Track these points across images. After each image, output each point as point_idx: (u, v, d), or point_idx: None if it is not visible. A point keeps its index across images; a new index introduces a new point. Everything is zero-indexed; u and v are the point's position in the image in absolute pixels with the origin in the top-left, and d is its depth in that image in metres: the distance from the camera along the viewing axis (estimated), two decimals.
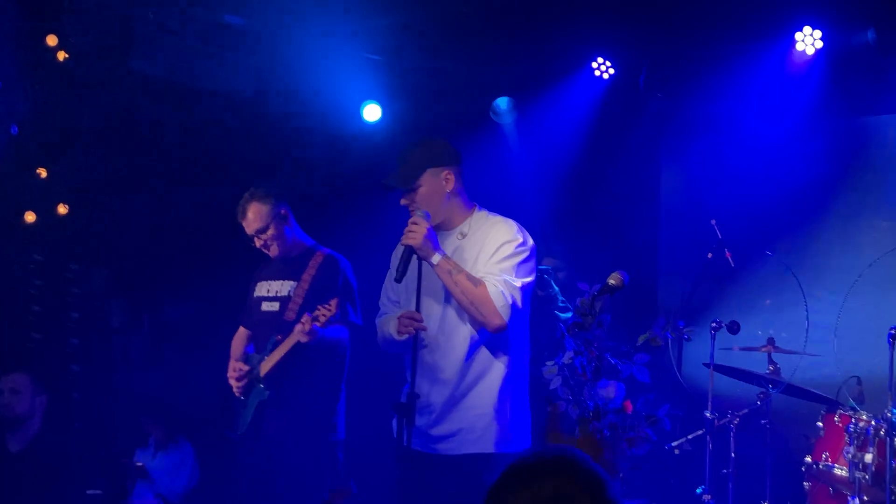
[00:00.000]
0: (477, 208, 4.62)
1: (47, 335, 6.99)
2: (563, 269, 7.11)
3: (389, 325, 4.62)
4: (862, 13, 6.51)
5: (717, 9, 6.58)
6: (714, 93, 7.08)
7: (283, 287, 5.76)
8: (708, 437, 5.60)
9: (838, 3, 6.54)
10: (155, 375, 7.33)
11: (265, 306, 5.80)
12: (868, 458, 5.10)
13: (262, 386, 5.64)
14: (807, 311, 5.71)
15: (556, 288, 6.71)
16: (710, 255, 6.20)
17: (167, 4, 6.49)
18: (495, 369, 4.45)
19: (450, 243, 4.54)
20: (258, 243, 5.77)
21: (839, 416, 5.37)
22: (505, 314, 4.31)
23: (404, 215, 4.53)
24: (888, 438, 4.98)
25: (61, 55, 6.59)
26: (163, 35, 6.54)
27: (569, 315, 4.92)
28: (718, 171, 7.35)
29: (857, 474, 5.10)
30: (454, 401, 4.44)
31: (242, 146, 7.07)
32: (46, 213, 6.89)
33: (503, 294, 4.30)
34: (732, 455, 5.67)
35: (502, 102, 7.51)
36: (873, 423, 5.13)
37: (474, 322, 4.39)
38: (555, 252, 7.26)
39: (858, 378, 5.55)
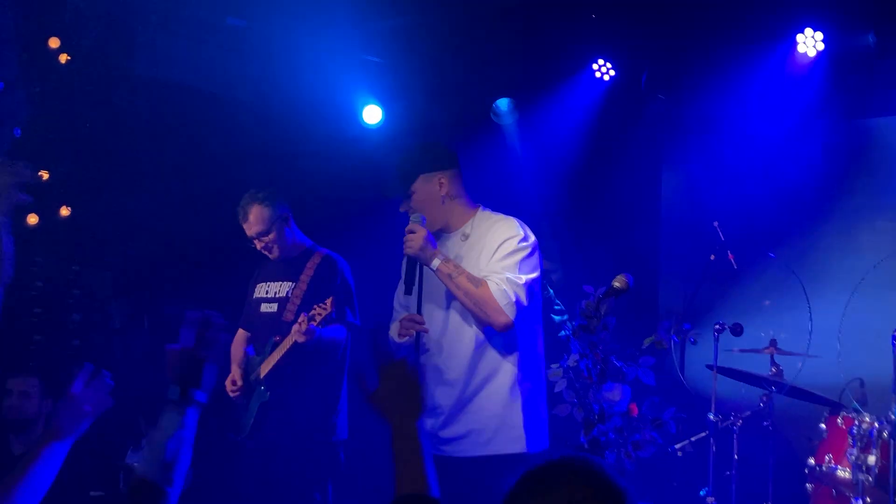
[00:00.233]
0: (481, 209, 4.62)
1: (49, 337, 6.98)
2: (557, 270, 7.09)
3: (392, 330, 4.64)
4: (863, 15, 6.51)
5: (718, 10, 6.58)
6: (715, 94, 7.08)
7: (281, 288, 5.77)
8: (711, 439, 5.60)
9: (840, 5, 6.53)
10: (154, 377, 7.31)
11: (264, 307, 5.81)
12: (871, 459, 5.10)
13: (262, 388, 5.64)
14: (810, 312, 5.71)
15: (551, 291, 6.70)
16: (712, 257, 6.20)
17: (169, 7, 6.49)
18: (505, 370, 4.43)
19: (453, 245, 4.55)
20: (259, 246, 5.78)
21: (842, 418, 5.38)
22: (509, 311, 4.30)
23: (405, 218, 4.55)
24: (892, 440, 4.98)
25: (63, 57, 6.59)
26: (165, 37, 6.53)
27: (565, 318, 4.90)
28: (720, 173, 7.35)
29: (861, 476, 5.10)
30: (463, 403, 4.43)
31: (244, 148, 7.06)
32: (49, 215, 6.88)
33: (506, 292, 4.29)
34: (735, 457, 5.67)
35: (503, 103, 7.50)
36: (877, 424, 5.13)
37: (480, 323, 4.38)
38: (548, 253, 7.25)
39: (861, 380, 5.55)
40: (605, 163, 7.73)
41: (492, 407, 4.41)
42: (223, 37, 6.62)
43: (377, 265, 6.39)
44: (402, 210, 4.58)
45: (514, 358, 4.45)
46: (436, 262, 4.35)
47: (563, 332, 4.69)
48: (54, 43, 6.54)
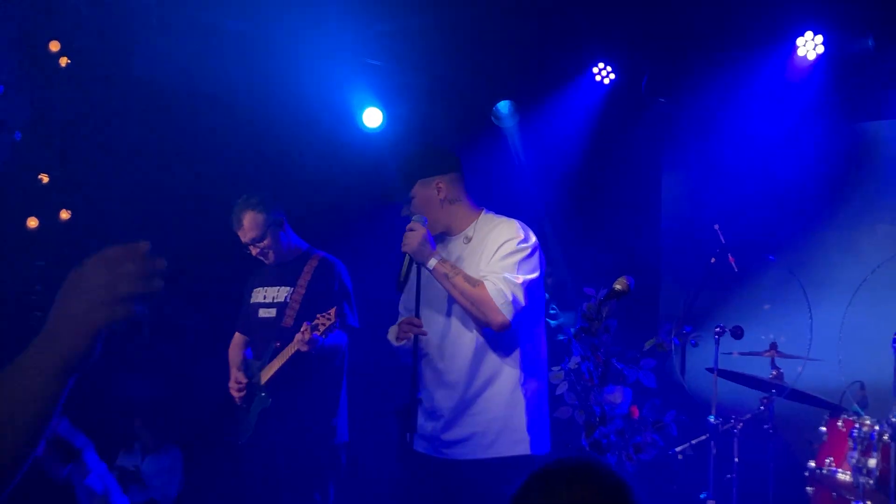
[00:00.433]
0: (484, 212, 4.62)
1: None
2: (552, 274, 7.10)
3: (390, 333, 4.65)
4: (863, 18, 6.52)
5: (718, 14, 6.59)
6: (715, 98, 7.09)
7: (279, 293, 5.76)
8: (711, 442, 5.59)
9: (840, 9, 6.54)
10: (151, 380, 7.31)
11: (262, 313, 5.80)
12: (872, 463, 5.09)
13: (263, 394, 5.64)
14: (810, 315, 5.70)
15: (546, 295, 6.70)
16: (713, 260, 6.19)
17: (169, 10, 6.49)
18: (506, 373, 4.42)
19: (455, 248, 4.55)
20: (255, 252, 5.77)
21: (843, 421, 5.37)
22: (506, 311, 4.29)
23: (404, 221, 4.56)
24: (892, 443, 4.97)
25: (63, 61, 6.59)
26: (164, 41, 6.53)
27: (560, 321, 4.91)
28: (720, 176, 7.36)
29: (861, 479, 5.09)
30: (464, 406, 4.43)
31: (244, 151, 7.07)
32: (49, 218, 6.87)
33: (503, 291, 4.28)
34: (736, 460, 5.66)
35: (504, 106, 7.51)
36: (877, 427, 5.12)
37: (480, 325, 4.39)
38: (545, 256, 7.25)
39: (862, 383, 5.54)
40: (605, 166, 7.74)
41: (494, 409, 4.41)
42: (223, 40, 6.62)
43: (377, 268, 6.40)
44: (403, 214, 4.60)
45: (515, 360, 4.44)
46: (432, 262, 4.36)
47: (560, 336, 4.69)
48: (54, 46, 6.54)
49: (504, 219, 4.58)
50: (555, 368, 4.31)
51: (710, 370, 5.64)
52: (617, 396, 4.03)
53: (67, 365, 1.78)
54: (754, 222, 6.94)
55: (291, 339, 5.50)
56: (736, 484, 5.63)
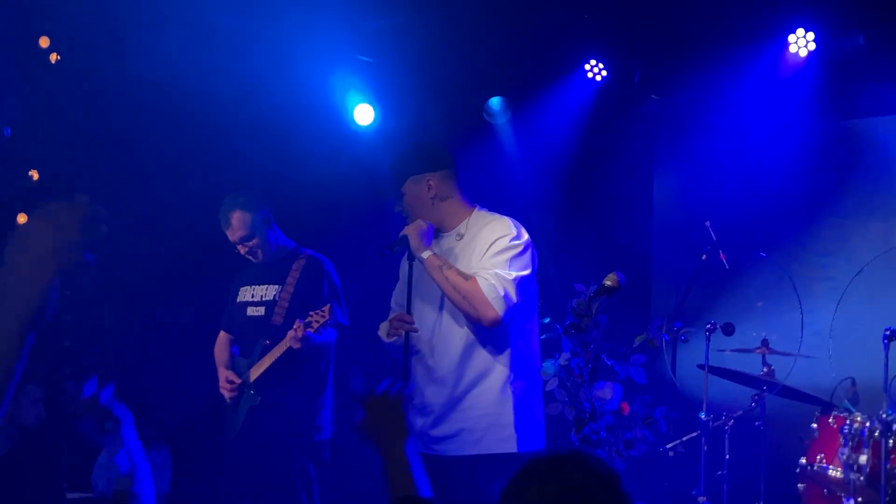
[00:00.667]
0: (477, 209, 4.62)
1: (40, 338, 6.95)
2: (539, 270, 7.10)
3: (381, 330, 4.65)
4: (855, 16, 6.52)
5: (710, 11, 6.59)
6: (707, 94, 7.09)
7: (267, 291, 5.76)
8: (702, 438, 5.60)
9: (831, 6, 6.54)
10: (143, 378, 7.30)
11: (250, 311, 5.80)
12: (862, 459, 5.09)
13: (252, 392, 5.64)
14: (801, 312, 5.71)
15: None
16: (704, 257, 6.20)
17: (160, 6, 6.47)
18: (497, 369, 4.42)
19: (447, 245, 4.56)
20: (243, 250, 5.77)
21: (833, 418, 5.37)
22: (498, 306, 4.29)
23: (394, 218, 4.58)
24: (883, 440, 4.98)
25: (54, 57, 6.57)
26: (155, 37, 6.52)
27: (545, 320, 4.90)
28: (711, 173, 7.36)
29: (852, 476, 5.10)
30: (454, 402, 4.43)
31: (236, 148, 7.06)
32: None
33: (494, 286, 4.28)
34: (727, 457, 5.67)
35: (495, 103, 7.51)
36: (868, 424, 5.13)
37: (470, 321, 4.38)
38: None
39: (853, 379, 5.54)
40: (597, 162, 7.75)
41: (482, 406, 4.41)
42: (215, 36, 6.60)
43: (365, 266, 6.40)
44: (396, 210, 4.61)
45: (506, 357, 4.44)
46: (426, 253, 4.37)
47: (544, 335, 4.69)
48: (44, 42, 6.52)
49: (496, 216, 4.58)
50: (545, 364, 4.30)
51: (701, 367, 5.64)
52: (607, 392, 4.03)
53: (24, 321, 1.84)
54: (745, 219, 6.94)
55: (280, 337, 5.51)
56: (727, 481, 5.64)
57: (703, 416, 5.58)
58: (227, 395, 5.71)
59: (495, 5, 6.82)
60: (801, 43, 6.70)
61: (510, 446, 4.38)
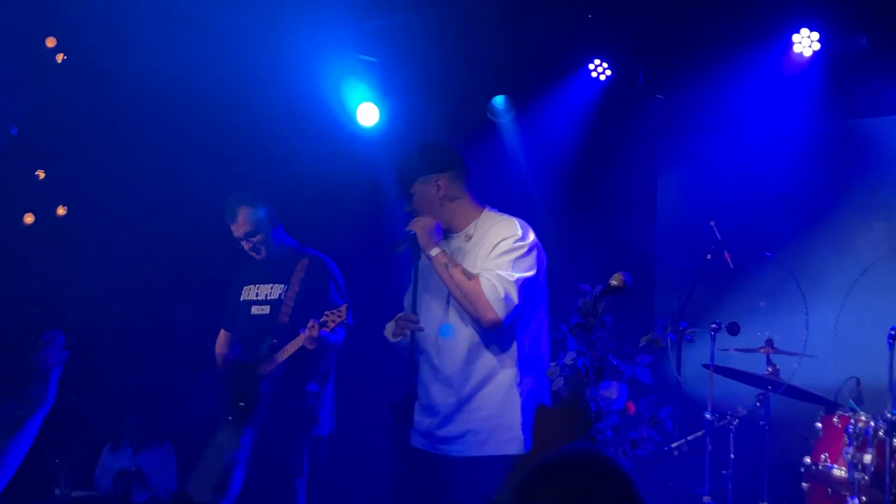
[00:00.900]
0: (487, 209, 4.61)
1: (44, 336, 6.96)
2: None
3: (386, 329, 4.65)
4: (858, 15, 6.52)
5: (714, 10, 6.59)
6: (712, 94, 7.08)
7: (273, 290, 5.77)
8: (707, 438, 5.61)
9: (836, 6, 6.55)
10: (141, 375, 7.32)
11: (255, 310, 5.81)
12: (867, 458, 5.11)
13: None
14: (806, 312, 5.71)
15: None
16: (708, 257, 6.20)
17: (164, 6, 6.48)
18: (504, 370, 4.41)
19: (456, 246, 4.55)
20: (247, 247, 5.78)
21: (838, 417, 5.38)
22: (498, 308, 4.29)
23: (401, 219, 4.58)
24: (887, 439, 4.99)
25: (60, 57, 6.59)
26: (160, 36, 6.53)
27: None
28: (715, 172, 7.36)
29: (856, 475, 5.11)
30: (461, 403, 4.43)
31: (240, 148, 7.06)
32: (44, 214, 6.87)
33: (495, 287, 4.28)
34: (732, 456, 5.68)
35: (499, 101, 7.52)
36: (872, 423, 5.14)
37: (474, 321, 4.39)
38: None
39: (857, 379, 5.56)
40: (601, 161, 7.75)
41: (489, 408, 4.40)
42: (218, 36, 6.61)
43: (369, 266, 6.42)
44: (406, 211, 4.61)
45: (512, 358, 4.43)
46: (434, 251, 4.38)
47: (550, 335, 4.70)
48: (51, 42, 6.55)
49: (505, 216, 4.57)
50: (551, 364, 4.30)
51: (706, 366, 5.65)
52: (613, 392, 4.02)
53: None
54: (750, 219, 6.95)
55: (286, 336, 5.53)
56: (731, 480, 5.65)
57: (707, 416, 5.59)
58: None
59: (500, 4, 6.83)
60: (805, 43, 6.70)
61: (516, 447, 4.38)
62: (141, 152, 6.98)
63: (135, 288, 7.22)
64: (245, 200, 5.71)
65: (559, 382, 4.20)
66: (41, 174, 6.78)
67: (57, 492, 7.03)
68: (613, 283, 4.20)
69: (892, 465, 4.98)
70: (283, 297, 5.71)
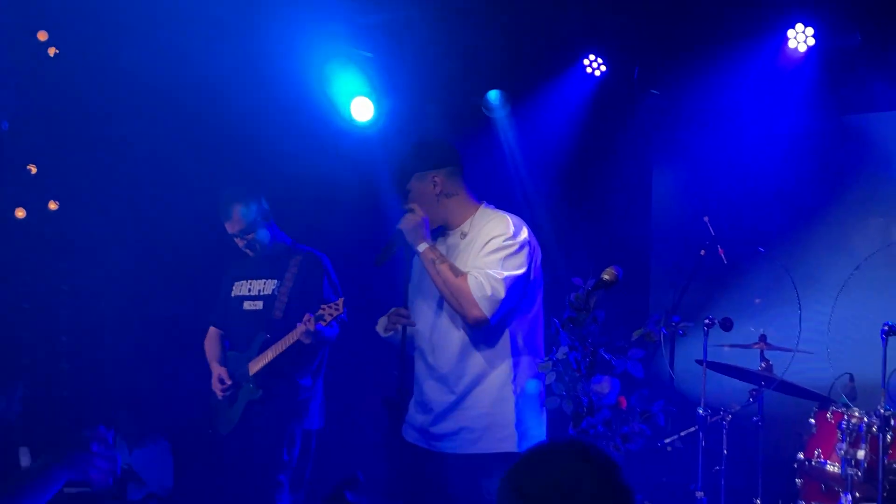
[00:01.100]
0: (483, 206, 4.60)
1: (36, 332, 6.96)
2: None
3: (378, 325, 4.64)
4: (853, 11, 6.52)
5: (709, 6, 6.59)
6: (707, 89, 7.09)
7: (266, 286, 5.77)
8: (700, 433, 5.60)
9: (830, 1, 6.54)
10: (142, 374, 7.31)
11: (247, 305, 5.80)
12: (860, 454, 5.11)
13: (252, 385, 5.65)
14: (799, 308, 5.71)
15: None
16: (702, 252, 6.20)
17: (156, 0, 6.47)
18: (497, 368, 4.39)
19: (452, 243, 4.54)
20: (241, 244, 5.77)
21: (831, 413, 5.38)
22: (484, 306, 4.26)
23: (393, 214, 4.56)
24: (880, 435, 4.99)
25: (52, 51, 6.57)
26: (153, 30, 6.51)
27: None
28: (710, 168, 7.37)
29: (850, 471, 5.11)
30: (455, 401, 4.41)
31: (232, 144, 7.04)
32: (36, 209, 6.85)
33: (482, 285, 4.26)
34: (725, 452, 5.68)
35: (494, 96, 7.51)
36: (866, 419, 5.14)
37: (462, 320, 4.38)
38: None
39: (851, 375, 5.56)
40: (596, 157, 7.75)
41: (483, 406, 4.38)
42: (212, 31, 6.59)
43: (363, 263, 6.40)
44: (404, 207, 4.59)
45: (507, 355, 4.41)
46: (422, 246, 4.36)
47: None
48: (42, 36, 6.52)
49: (498, 214, 4.55)
50: (543, 359, 4.29)
51: (700, 362, 5.64)
52: (604, 386, 4.01)
53: None
54: (744, 214, 6.96)
55: (280, 332, 5.52)
56: (725, 476, 5.65)
57: (701, 412, 5.58)
58: (219, 393, 5.73)
59: (495, 0, 6.82)
60: (800, 38, 6.70)
61: (509, 446, 4.36)
62: (134, 148, 6.96)
63: (128, 283, 7.20)
64: (239, 197, 5.70)
65: (551, 377, 4.20)
66: (33, 168, 6.76)
67: None
68: (605, 277, 4.18)
69: (886, 461, 4.98)
70: (276, 293, 5.70)
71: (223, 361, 5.84)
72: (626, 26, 7.02)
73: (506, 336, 4.41)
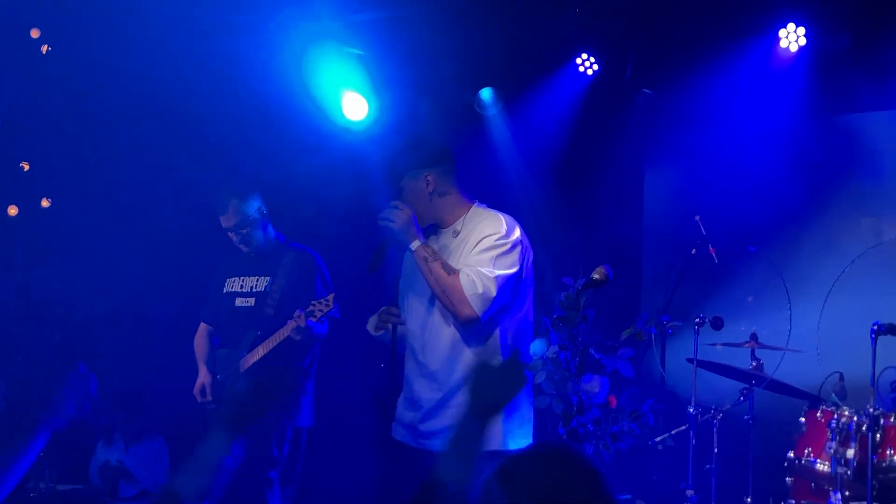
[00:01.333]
0: (475, 205, 4.60)
1: (29, 329, 6.96)
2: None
3: (369, 324, 4.64)
4: (844, 11, 6.53)
5: (701, 5, 6.60)
6: (699, 89, 7.09)
7: (258, 283, 5.76)
8: (691, 432, 5.61)
9: (822, 1, 6.56)
10: (138, 370, 7.31)
11: (239, 302, 5.79)
12: (850, 453, 5.11)
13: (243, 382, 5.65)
14: (790, 307, 5.72)
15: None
16: (693, 251, 6.21)
17: None
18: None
19: (444, 241, 4.54)
20: (235, 239, 5.77)
21: (821, 412, 5.38)
22: (475, 304, 4.27)
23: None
24: (870, 434, 4.99)
25: (44, 48, 6.57)
26: (145, 29, 6.51)
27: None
28: (702, 167, 7.37)
29: (839, 469, 5.11)
30: (444, 398, 4.41)
31: (224, 141, 7.04)
32: (29, 206, 6.85)
33: (474, 283, 4.26)
34: (715, 450, 5.69)
35: (486, 94, 7.52)
36: (855, 418, 5.14)
37: (453, 318, 4.38)
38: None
39: (841, 374, 5.56)
40: (588, 156, 7.75)
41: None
42: (204, 29, 6.59)
43: (355, 262, 6.40)
44: (390, 204, 4.59)
45: (496, 353, 4.43)
46: (415, 244, 4.35)
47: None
48: (35, 33, 6.52)
49: (492, 213, 4.56)
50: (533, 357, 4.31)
51: (690, 361, 5.65)
52: (594, 386, 4.03)
53: None
54: (735, 213, 6.95)
55: (272, 328, 5.52)
56: (715, 474, 5.66)
57: (691, 410, 5.59)
58: (199, 398, 5.75)
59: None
60: (791, 38, 6.71)
61: (497, 444, 4.37)
62: (127, 145, 6.95)
63: (123, 280, 7.20)
64: (236, 192, 5.70)
65: (541, 376, 4.22)
66: (25, 166, 6.76)
67: (42, 486, 7.00)
68: (596, 276, 4.21)
69: (875, 460, 4.99)
70: (268, 290, 5.70)
71: (211, 361, 5.84)
72: (619, 25, 7.03)
73: (496, 335, 4.42)
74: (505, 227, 4.42)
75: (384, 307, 4.52)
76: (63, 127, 6.82)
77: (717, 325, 5.67)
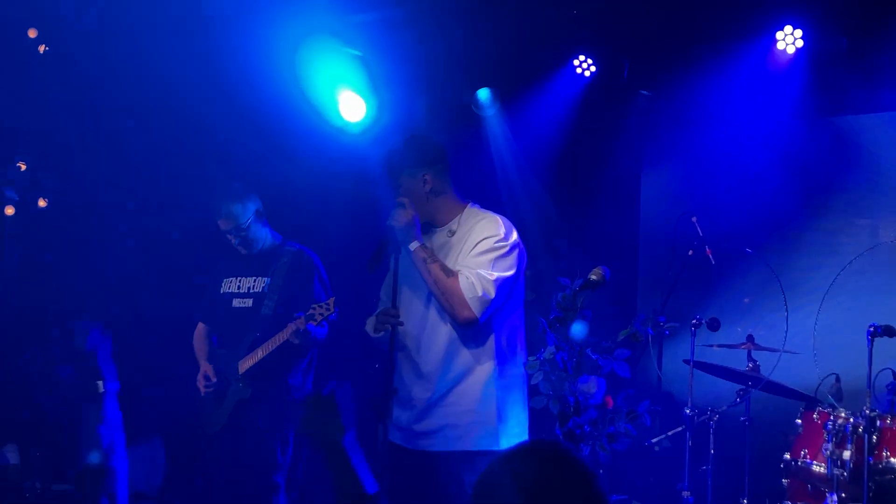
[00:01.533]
0: (469, 205, 4.62)
1: (26, 329, 6.96)
2: (531, 266, 7.10)
3: (368, 324, 4.65)
4: (841, 13, 6.53)
5: (698, 7, 6.60)
6: (696, 90, 7.10)
7: (256, 283, 5.76)
8: (688, 433, 5.62)
9: (819, 3, 6.56)
10: (135, 371, 7.30)
11: (236, 302, 5.80)
12: (846, 454, 5.11)
13: (241, 384, 5.64)
14: (786, 308, 5.73)
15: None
16: (690, 253, 6.21)
17: None
18: (482, 367, 4.42)
19: (439, 241, 4.56)
20: (234, 241, 5.77)
21: (818, 414, 5.39)
22: (474, 306, 4.29)
23: (383, 213, 4.57)
24: (866, 435, 5.00)
25: (42, 48, 6.56)
26: (142, 27, 6.51)
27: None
28: (699, 168, 7.38)
29: (836, 471, 5.12)
30: (437, 398, 4.43)
31: (222, 142, 7.04)
32: (26, 206, 6.85)
33: (474, 286, 4.29)
34: (712, 452, 5.70)
35: (483, 94, 7.52)
36: (852, 420, 5.15)
37: (452, 319, 4.39)
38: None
39: (837, 375, 5.56)
40: (585, 157, 7.75)
41: (466, 403, 4.41)
42: (201, 28, 6.59)
43: (353, 262, 6.40)
44: (395, 201, 4.60)
45: (490, 354, 4.44)
46: (414, 244, 4.37)
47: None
48: (32, 33, 6.52)
49: (488, 214, 4.57)
50: (530, 358, 4.31)
51: (687, 362, 5.66)
52: (591, 386, 4.03)
53: None
54: (732, 215, 6.96)
55: (268, 329, 5.52)
56: (711, 475, 5.67)
57: (688, 411, 5.60)
58: (202, 390, 5.73)
59: (485, 0, 6.83)
60: (788, 40, 6.71)
61: (492, 443, 4.39)
62: (124, 145, 6.95)
63: (119, 281, 7.20)
64: (233, 194, 5.71)
65: (538, 376, 4.22)
66: (23, 166, 6.76)
67: (38, 485, 7.00)
68: (593, 277, 4.21)
69: (871, 462, 4.99)
70: (266, 291, 5.70)
71: (211, 359, 5.83)
72: (616, 27, 7.03)
73: (490, 334, 4.45)
74: (503, 229, 4.44)
75: (383, 308, 4.52)
76: (60, 127, 6.81)
77: (714, 326, 5.68)
